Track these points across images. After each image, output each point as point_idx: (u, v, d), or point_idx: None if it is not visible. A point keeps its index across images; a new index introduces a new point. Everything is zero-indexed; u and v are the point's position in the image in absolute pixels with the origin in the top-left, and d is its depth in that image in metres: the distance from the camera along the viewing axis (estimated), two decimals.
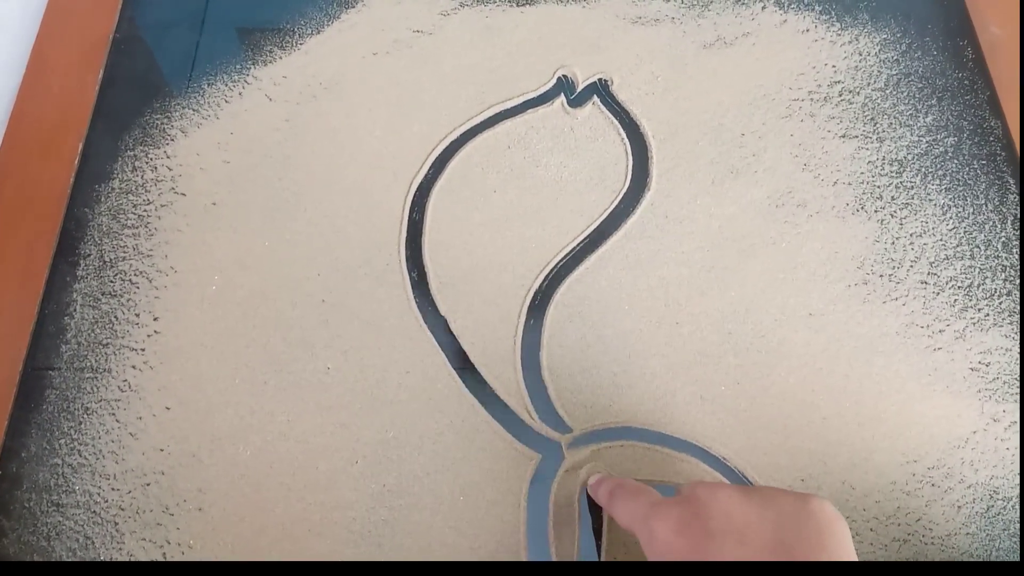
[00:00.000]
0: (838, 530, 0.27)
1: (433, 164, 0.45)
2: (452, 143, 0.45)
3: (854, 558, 0.27)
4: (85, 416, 0.39)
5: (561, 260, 0.42)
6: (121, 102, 0.47)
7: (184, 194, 0.44)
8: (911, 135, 0.45)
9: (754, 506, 0.28)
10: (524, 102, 0.46)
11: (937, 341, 0.40)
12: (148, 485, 0.37)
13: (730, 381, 0.39)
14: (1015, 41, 0.47)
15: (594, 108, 0.46)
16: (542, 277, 0.41)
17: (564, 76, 0.47)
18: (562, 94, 0.47)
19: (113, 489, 0.37)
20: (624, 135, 0.45)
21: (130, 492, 0.37)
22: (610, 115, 0.46)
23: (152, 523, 0.37)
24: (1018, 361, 0.39)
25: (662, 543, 0.28)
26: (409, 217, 0.43)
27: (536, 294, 0.41)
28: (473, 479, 0.37)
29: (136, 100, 0.47)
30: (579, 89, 0.47)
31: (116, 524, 0.37)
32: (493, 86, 0.47)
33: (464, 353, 0.40)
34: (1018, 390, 0.38)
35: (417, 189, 0.44)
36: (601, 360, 0.40)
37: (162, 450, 0.38)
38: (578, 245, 0.42)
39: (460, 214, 0.43)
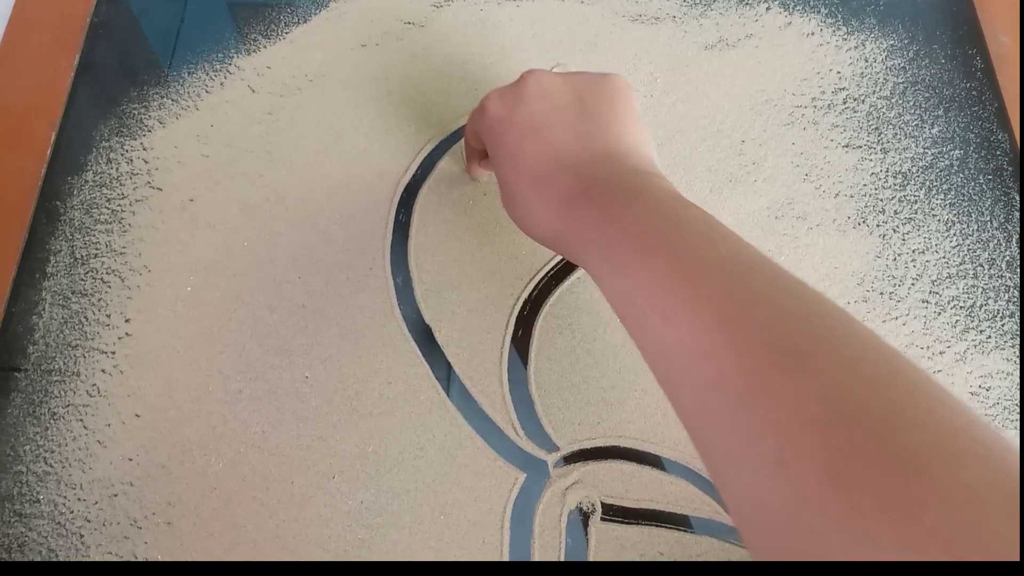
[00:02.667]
0: (626, 95, 0.33)
1: (422, 163, 0.43)
2: (442, 142, 0.43)
3: (637, 116, 0.32)
4: (52, 421, 0.37)
5: (551, 269, 0.40)
6: (97, 90, 0.45)
7: (160, 189, 0.42)
8: (916, 147, 0.43)
9: (562, 78, 0.33)
10: None
11: (937, 363, 0.38)
12: (115, 496, 0.36)
13: None
14: None
15: None
16: (531, 286, 0.40)
17: None
18: None
19: (79, 499, 0.36)
20: None
21: (97, 503, 0.36)
22: None
23: (119, 536, 0.35)
24: (1018, 387, 0.38)
25: (489, 114, 0.33)
26: (395, 219, 0.42)
27: (525, 304, 0.40)
28: (455, 497, 0.36)
29: (113, 88, 0.45)
30: None
31: (82, 536, 0.35)
32: (486, 82, 0.45)
33: (448, 364, 0.38)
34: (1018, 416, 0.37)
35: (404, 189, 0.42)
36: (590, 375, 0.38)
37: (131, 460, 0.36)
38: None
39: (448, 217, 0.42)
